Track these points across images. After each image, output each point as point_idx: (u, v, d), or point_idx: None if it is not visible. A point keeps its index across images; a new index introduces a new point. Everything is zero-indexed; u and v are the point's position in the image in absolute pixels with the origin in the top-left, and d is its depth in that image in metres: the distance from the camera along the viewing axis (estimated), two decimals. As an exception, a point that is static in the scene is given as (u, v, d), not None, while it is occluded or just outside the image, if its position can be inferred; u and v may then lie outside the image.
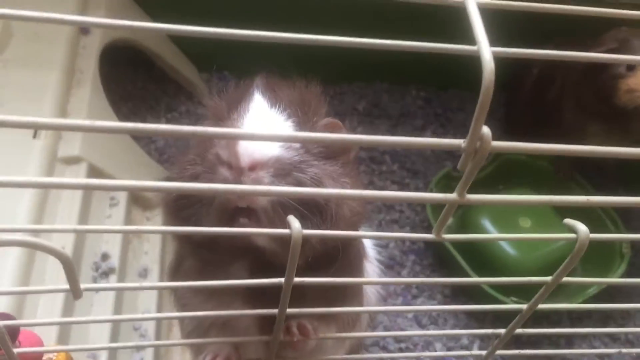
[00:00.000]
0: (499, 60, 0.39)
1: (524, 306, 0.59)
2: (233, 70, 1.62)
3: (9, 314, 0.56)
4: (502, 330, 0.64)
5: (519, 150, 0.42)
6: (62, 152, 1.05)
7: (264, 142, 0.64)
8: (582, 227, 0.50)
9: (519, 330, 0.63)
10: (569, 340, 1.32)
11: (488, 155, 1.37)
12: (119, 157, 1.15)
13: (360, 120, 1.63)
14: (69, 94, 1.12)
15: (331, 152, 0.70)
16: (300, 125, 0.70)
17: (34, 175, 0.99)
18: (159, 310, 1.07)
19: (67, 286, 0.46)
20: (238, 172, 0.62)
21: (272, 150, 0.64)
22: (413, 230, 1.44)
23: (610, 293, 1.34)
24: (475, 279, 0.76)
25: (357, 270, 0.78)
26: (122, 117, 1.43)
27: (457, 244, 1.30)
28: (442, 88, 1.72)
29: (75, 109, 1.11)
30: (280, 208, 0.62)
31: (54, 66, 1.13)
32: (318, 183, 0.65)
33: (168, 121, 1.54)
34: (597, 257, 1.35)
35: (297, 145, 0.67)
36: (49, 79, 1.10)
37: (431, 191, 1.40)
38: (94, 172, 1.07)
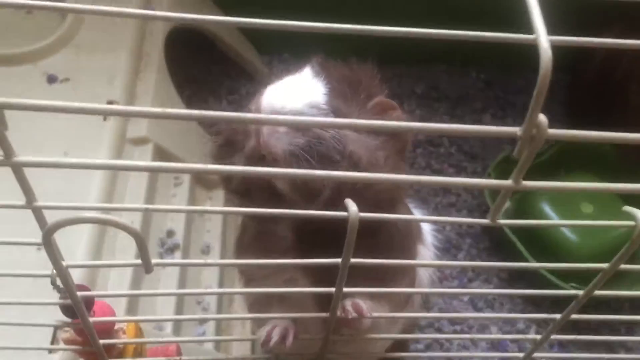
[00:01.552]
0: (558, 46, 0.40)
1: (580, 292, 0.59)
2: (293, 52, 1.64)
3: (85, 286, 0.60)
4: (558, 316, 0.64)
5: (576, 138, 0.42)
6: (131, 133, 1.10)
7: (291, 95, 0.69)
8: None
9: (574, 316, 0.63)
10: (630, 328, 1.30)
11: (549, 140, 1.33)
12: (183, 137, 1.20)
13: (419, 103, 1.63)
14: (137, 77, 1.17)
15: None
16: (348, 102, 0.73)
17: (105, 155, 1.04)
18: (221, 284, 1.12)
19: (139, 261, 0.49)
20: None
21: (294, 103, 0.68)
22: (470, 214, 1.43)
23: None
24: (531, 264, 0.76)
25: (407, 248, 0.80)
26: (186, 99, 1.47)
27: (515, 228, 1.29)
28: (503, 70, 1.69)
29: (142, 91, 1.15)
30: (294, 158, 0.66)
31: (123, 50, 1.17)
32: (338, 143, 0.67)
33: (229, 103, 1.58)
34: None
35: (325, 106, 0.70)
36: (118, 63, 1.15)
37: (489, 175, 1.39)
38: (159, 152, 1.11)
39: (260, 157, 0.67)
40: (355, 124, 0.48)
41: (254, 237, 0.79)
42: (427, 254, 0.91)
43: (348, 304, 0.66)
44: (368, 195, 0.68)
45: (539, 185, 0.45)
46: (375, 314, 0.67)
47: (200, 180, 1.21)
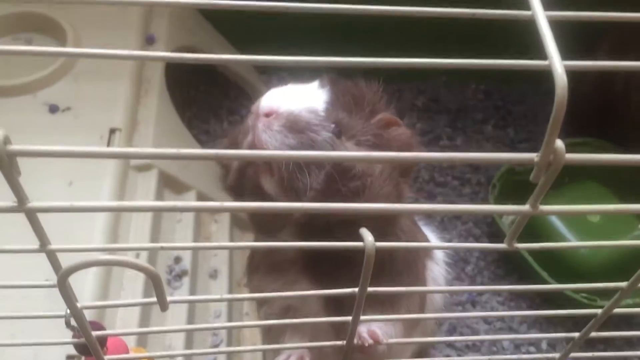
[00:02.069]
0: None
1: (599, 311, 0.59)
2: (292, 71, 1.64)
3: (99, 323, 0.59)
4: (576, 334, 0.64)
5: (594, 162, 0.42)
6: (134, 160, 1.09)
7: (290, 99, 0.70)
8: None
9: (593, 334, 0.63)
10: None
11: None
12: (188, 161, 1.19)
13: (420, 116, 1.63)
14: (138, 103, 1.17)
15: (382, 144, 0.73)
16: (352, 115, 0.74)
17: (110, 182, 1.03)
18: (230, 310, 1.11)
19: (154, 299, 0.48)
20: (256, 117, 0.69)
21: (292, 106, 0.69)
22: (476, 226, 1.43)
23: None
24: (546, 287, 0.75)
25: (415, 264, 0.80)
26: (187, 121, 1.47)
27: (517, 239, 1.28)
28: (502, 80, 1.69)
29: (144, 117, 1.15)
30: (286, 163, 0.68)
31: (123, 77, 1.17)
32: (331, 147, 0.69)
33: (230, 124, 1.58)
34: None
35: (323, 114, 0.71)
36: (119, 90, 1.15)
37: (494, 187, 1.38)
38: (164, 178, 1.11)
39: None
40: (370, 157, 0.47)
41: (264, 254, 0.81)
42: (436, 270, 0.91)
43: (364, 330, 0.66)
44: (364, 200, 0.70)
45: (557, 209, 0.45)
46: (392, 340, 0.66)
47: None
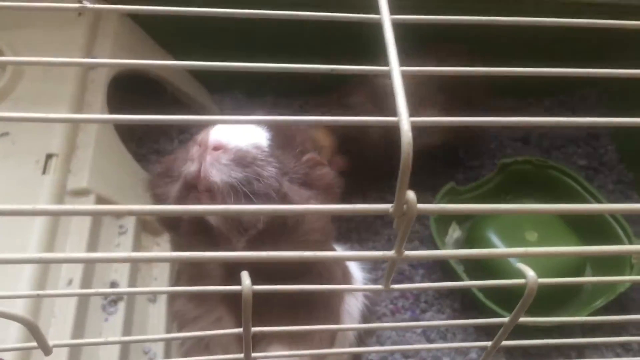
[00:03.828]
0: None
1: (506, 319, 0.60)
2: (245, 90, 1.66)
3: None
4: (489, 343, 0.65)
5: (444, 212, 0.44)
6: (71, 185, 1.10)
7: (237, 134, 0.74)
8: (530, 273, 0.51)
9: (505, 343, 0.64)
10: (580, 351, 1.31)
11: (494, 168, 1.37)
12: (127, 185, 1.20)
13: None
14: (77, 127, 1.17)
15: (309, 182, 0.76)
16: (286, 152, 0.79)
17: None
18: (168, 331, 1.12)
19: (34, 343, 0.49)
20: (204, 150, 0.71)
21: (240, 141, 0.73)
22: (422, 244, 1.45)
23: (621, 303, 1.33)
24: (461, 283, 0.77)
25: (331, 299, 0.82)
26: (135, 144, 1.48)
27: (463, 258, 1.31)
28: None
29: (83, 142, 1.15)
30: (232, 190, 0.70)
31: (63, 101, 1.18)
32: (275, 183, 0.72)
33: (180, 142, 1.58)
34: (606, 267, 1.34)
35: (268, 150, 0.76)
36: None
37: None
38: (101, 202, 1.11)
39: (193, 186, 0.71)
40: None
41: (188, 281, 0.83)
42: (353, 304, 0.92)
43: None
44: (298, 235, 0.73)
45: (418, 255, 0.47)
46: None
47: (147, 226, 1.21)
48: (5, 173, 1.06)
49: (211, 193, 0.70)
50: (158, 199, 0.79)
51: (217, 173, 0.70)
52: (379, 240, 1.45)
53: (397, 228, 0.45)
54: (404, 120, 0.41)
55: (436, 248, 1.37)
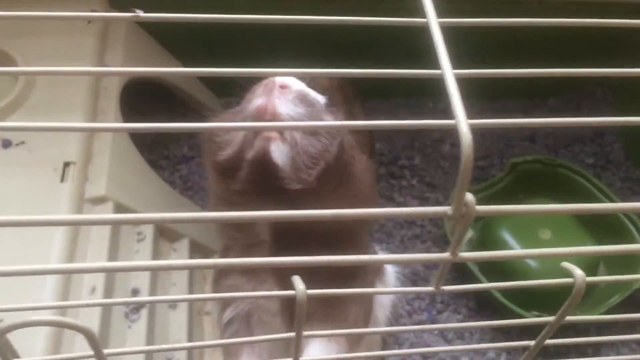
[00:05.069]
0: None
1: (551, 319, 0.60)
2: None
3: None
4: (532, 342, 0.65)
5: (501, 212, 0.44)
6: (89, 193, 1.09)
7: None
8: (578, 272, 0.52)
9: (547, 342, 0.65)
10: (597, 349, 1.32)
11: (502, 167, 1.39)
12: (144, 192, 1.20)
13: (379, 136, 1.65)
14: (93, 135, 1.17)
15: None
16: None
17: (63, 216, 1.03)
18: (190, 339, 1.12)
19: (90, 352, 0.49)
20: (271, 87, 0.76)
21: (302, 86, 0.80)
22: (435, 245, 1.45)
23: (636, 299, 1.34)
24: (482, 285, 0.78)
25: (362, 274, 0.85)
26: (146, 150, 1.47)
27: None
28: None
29: (99, 150, 1.15)
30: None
31: (77, 109, 1.17)
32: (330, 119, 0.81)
33: (190, 149, 1.58)
34: (620, 264, 1.35)
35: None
36: (73, 122, 1.15)
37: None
38: (120, 209, 1.11)
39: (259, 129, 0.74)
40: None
41: (240, 252, 0.86)
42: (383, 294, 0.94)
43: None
44: (349, 190, 0.79)
45: (475, 256, 0.47)
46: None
47: (164, 232, 1.21)
48: (25, 182, 1.06)
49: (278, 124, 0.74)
50: (218, 147, 0.80)
51: (284, 106, 0.75)
52: (392, 242, 1.46)
53: (450, 231, 0.46)
54: (463, 122, 0.41)
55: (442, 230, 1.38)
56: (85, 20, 0.96)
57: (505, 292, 1.25)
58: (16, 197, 1.04)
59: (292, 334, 0.53)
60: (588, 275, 0.52)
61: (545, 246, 1.33)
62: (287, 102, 0.75)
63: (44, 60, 1.23)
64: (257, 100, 0.75)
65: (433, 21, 0.47)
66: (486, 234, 1.40)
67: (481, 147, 1.66)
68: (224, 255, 0.92)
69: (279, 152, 0.74)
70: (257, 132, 0.75)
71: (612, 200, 1.43)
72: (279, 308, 0.84)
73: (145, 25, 1.46)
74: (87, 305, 0.90)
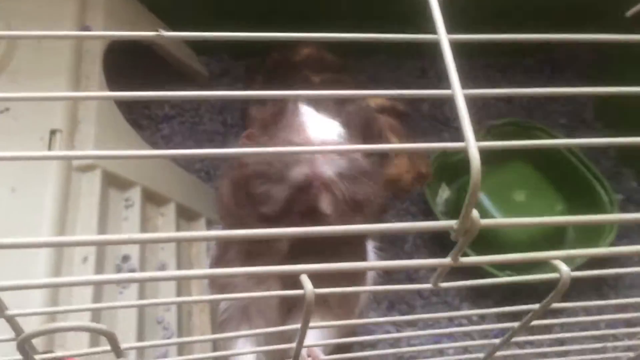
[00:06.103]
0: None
1: (536, 306, 0.64)
2: (231, 53, 1.65)
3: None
4: (536, 306, 0.70)
5: (503, 225, 0.47)
6: (77, 161, 1.09)
7: (325, 127, 0.84)
8: (564, 268, 0.56)
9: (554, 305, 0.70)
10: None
11: (479, 128, 1.42)
12: (132, 159, 1.20)
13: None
14: (78, 102, 1.16)
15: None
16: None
17: (53, 186, 1.04)
18: (179, 306, 1.15)
19: (107, 347, 0.51)
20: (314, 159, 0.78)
21: (332, 134, 0.83)
22: (414, 219, 1.50)
23: (601, 259, 1.41)
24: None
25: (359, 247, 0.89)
26: (127, 107, 1.47)
27: (451, 215, 1.37)
28: (439, 57, 1.74)
29: (85, 116, 1.14)
30: (341, 177, 0.78)
31: (61, 75, 1.16)
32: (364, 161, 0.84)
33: (171, 108, 1.58)
34: (588, 226, 1.42)
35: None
36: (57, 89, 1.13)
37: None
38: (108, 177, 1.12)
39: (305, 186, 0.77)
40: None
41: (240, 244, 0.89)
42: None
43: (304, 350, 0.71)
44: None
45: (475, 260, 0.50)
46: (329, 357, 0.73)
47: (152, 197, 1.23)
48: (12, 150, 1.05)
49: (326, 186, 0.77)
50: (256, 199, 0.82)
51: (330, 168, 0.78)
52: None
53: (454, 239, 0.49)
54: (472, 147, 0.44)
55: (429, 209, 1.43)
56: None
57: (478, 248, 1.30)
58: (4, 166, 1.04)
59: (298, 326, 0.57)
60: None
61: (520, 208, 1.39)
62: (330, 162, 0.77)
63: (25, 24, 1.20)
64: (299, 168, 0.77)
65: (444, 38, 0.49)
66: (462, 194, 1.45)
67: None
68: (224, 249, 0.94)
69: (327, 203, 0.77)
70: (301, 190, 0.77)
71: (584, 164, 1.48)
72: (277, 299, 0.87)
73: (124, -19, 1.42)
74: (81, 284, 0.92)
